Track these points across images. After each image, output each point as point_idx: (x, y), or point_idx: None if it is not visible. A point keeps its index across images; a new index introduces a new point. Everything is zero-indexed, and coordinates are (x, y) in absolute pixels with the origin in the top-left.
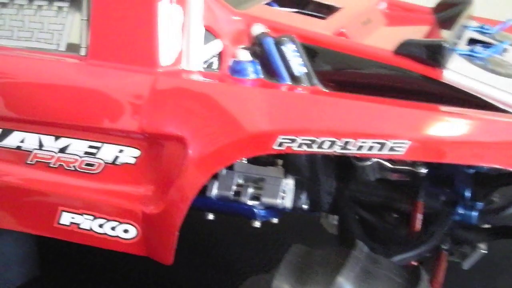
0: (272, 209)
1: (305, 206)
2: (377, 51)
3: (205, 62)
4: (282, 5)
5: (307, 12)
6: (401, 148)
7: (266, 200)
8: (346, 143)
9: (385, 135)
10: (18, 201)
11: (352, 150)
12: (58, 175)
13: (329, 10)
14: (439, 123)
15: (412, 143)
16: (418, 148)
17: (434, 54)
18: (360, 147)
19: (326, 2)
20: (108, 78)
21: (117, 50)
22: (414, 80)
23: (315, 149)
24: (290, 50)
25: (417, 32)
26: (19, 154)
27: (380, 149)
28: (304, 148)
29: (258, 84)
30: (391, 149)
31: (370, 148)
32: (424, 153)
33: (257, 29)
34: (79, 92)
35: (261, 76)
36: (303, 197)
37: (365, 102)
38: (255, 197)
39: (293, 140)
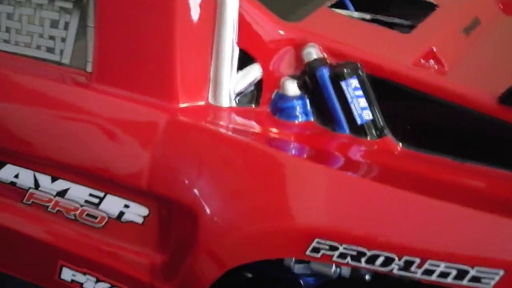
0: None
1: (368, 277)
2: (470, 96)
3: (240, 94)
4: (359, 5)
5: (387, 20)
6: (489, 279)
7: (316, 266)
8: (408, 263)
9: (468, 258)
10: (17, 246)
11: (415, 274)
12: (57, 223)
13: (421, 11)
14: None
15: (507, 274)
16: None
17: None
18: (427, 271)
19: None
20: (111, 112)
21: (125, 73)
22: None
23: (363, 264)
24: (352, 88)
25: None
26: (15, 191)
27: (458, 278)
28: (348, 260)
29: (307, 133)
30: (474, 279)
31: (443, 274)
32: None
33: (310, 52)
34: (75, 126)
35: (311, 118)
36: None
37: (446, 203)
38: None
39: (333, 248)
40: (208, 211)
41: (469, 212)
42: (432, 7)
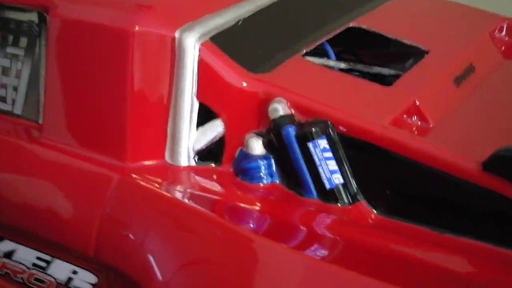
0: None
1: None
2: (451, 161)
3: (200, 152)
4: (343, 50)
5: (369, 70)
6: None
7: None
8: None
9: None
10: None
11: None
12: (5, 286)
13: (410, 58)
14: None
15: None
16: None
17: None
18: None
19: (412, 43)
20: (59, 171)
21: (75, 128)
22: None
23: None
24: (320, 149)
25: None
26: None
27: None
28: None
29: (271, 199)
30: None
31: None
32: None
33: (276, 108)
34: (21, 184)
35: (277, 180)
36: None
37: None
38: None
39: None
40: (153, 285)
41: None
42: (422, 53)
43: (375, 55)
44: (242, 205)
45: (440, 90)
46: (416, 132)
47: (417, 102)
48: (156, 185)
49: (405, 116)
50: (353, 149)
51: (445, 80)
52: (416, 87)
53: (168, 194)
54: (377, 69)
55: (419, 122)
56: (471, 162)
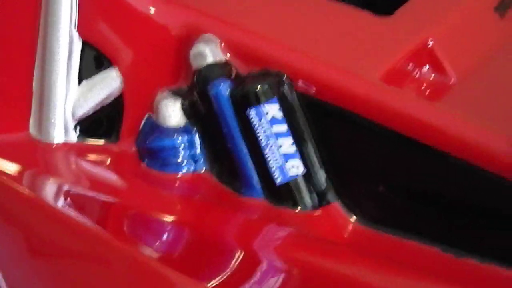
0: None
1: None
2: (475, 143)
3: (84, 120)
4: None
5: None
6: None
7: None
8: None
9: None
10: None
11: None
12: None
13: None
14: None
15: None
16: None
17: None
18: None
19: None
20: None
21: None
22: None
23: None
24: (267, 120)
25: None
26: None
27: None
28: None
29: (193, 201)
30: None
31: None
32: None
33: (202, 51)
34: None
35: (203, 167)
36: None
37: None
38: None
39: None
40: None
41: None
42: None
43: None
44: (148, 211)
45: (470, 23)
46: (427, 92)
47: (431, 42)
48: (13, 173)
49: (410, 65)
50: (323, 120)
51: (479, 6)
52: (431, 17)
53: (30, 192)
54: None
55: (432, 75)
56: (508, 145)
